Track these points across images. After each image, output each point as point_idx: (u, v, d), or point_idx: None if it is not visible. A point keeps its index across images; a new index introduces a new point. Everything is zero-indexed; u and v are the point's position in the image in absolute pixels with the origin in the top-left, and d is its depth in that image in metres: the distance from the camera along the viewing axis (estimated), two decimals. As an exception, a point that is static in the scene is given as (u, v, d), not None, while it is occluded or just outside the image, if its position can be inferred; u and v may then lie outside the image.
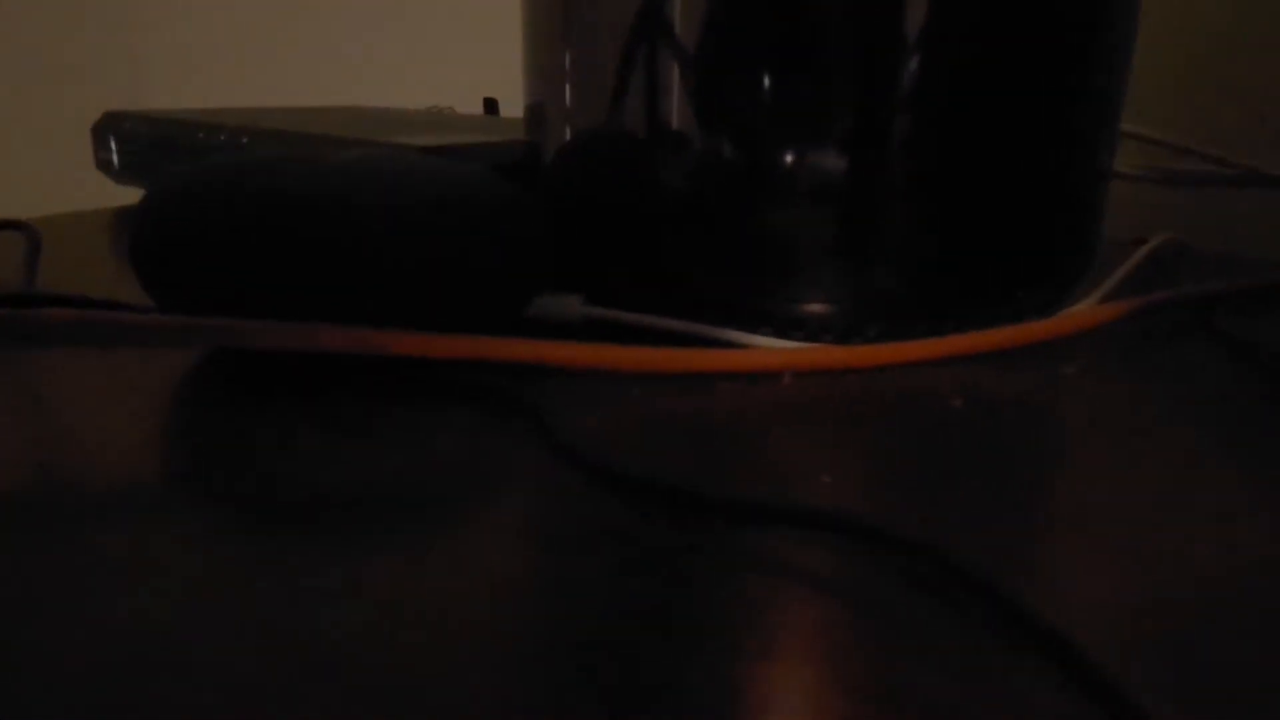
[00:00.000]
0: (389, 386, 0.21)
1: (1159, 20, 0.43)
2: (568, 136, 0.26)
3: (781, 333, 0.23)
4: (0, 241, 0.34)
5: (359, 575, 0.14)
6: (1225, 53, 0.42)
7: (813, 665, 0.12)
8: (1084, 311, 0.24)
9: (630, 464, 0.17)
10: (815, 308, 0.23)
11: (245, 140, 0.35)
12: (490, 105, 0.51)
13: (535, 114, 0.27)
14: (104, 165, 0.42)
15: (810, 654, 0.12)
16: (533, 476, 0.17)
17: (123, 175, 0.41)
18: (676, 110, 0.23)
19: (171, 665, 0.12)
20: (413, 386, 0.21)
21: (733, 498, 0.15)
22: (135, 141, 0.40)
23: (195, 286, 0.21)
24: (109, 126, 0.41)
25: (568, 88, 0.26)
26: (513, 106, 0.64)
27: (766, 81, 0.22)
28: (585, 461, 0.17)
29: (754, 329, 0.23)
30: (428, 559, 0.14)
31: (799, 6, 0.21)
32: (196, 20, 0.88)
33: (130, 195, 0.42)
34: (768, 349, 0.22)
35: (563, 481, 0.17)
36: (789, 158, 0.22)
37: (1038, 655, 0.12)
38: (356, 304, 0.21)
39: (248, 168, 0.22)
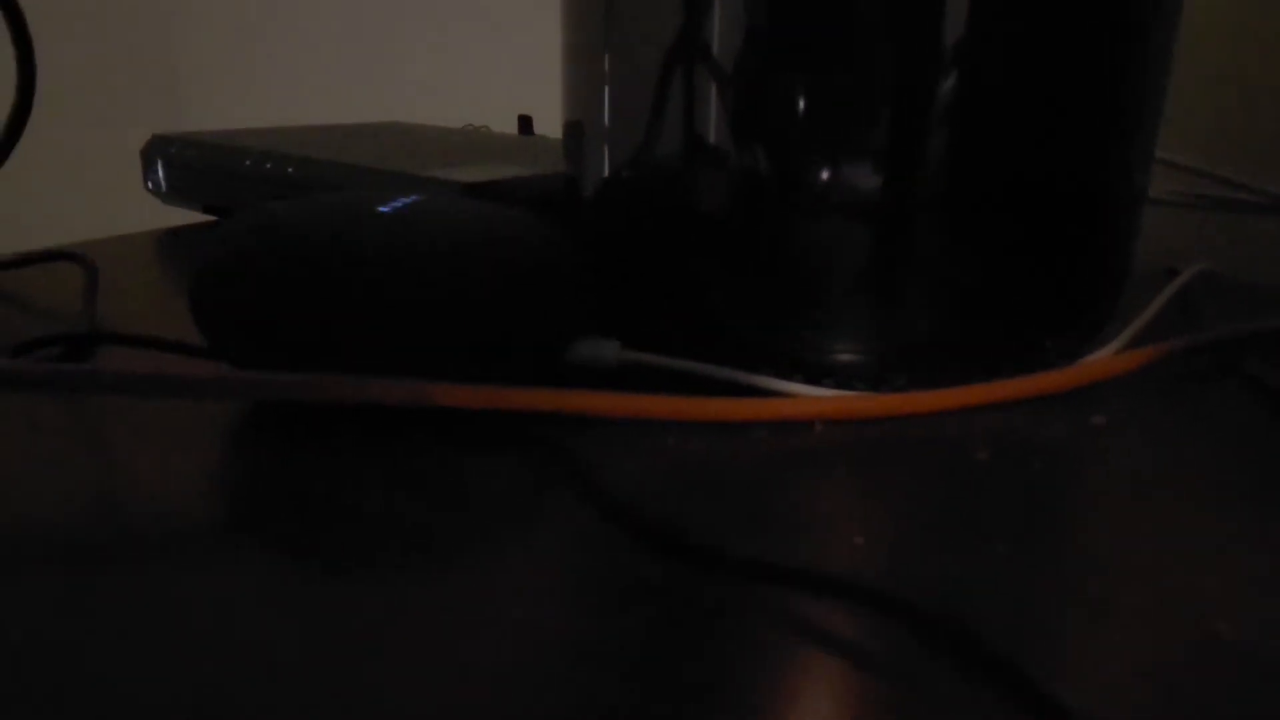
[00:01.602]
0: (436, 435, 0.22)
1: (1190, 41, 0.43)
2: (605, 158, 0.27)
3: (813, 379, 0.24)
4: (55, 272, 0.35)
5: (400, 622, 0.15)
6: (1256, 77, 0.42)
7: (843, 741, 0.13)
8: (1111, 359, 0.25)
9: (665, 517, 0.18)
10: (846, 356, 0.24)
11: (291, 170, 0.36)
12: (525, 123, 0.52)
13: (573, 133, 0.28)
14: (152, 187, 0.43)
15: (829, 715, 0.13)
16: (572, 527, 0.18)
17: (170, 197, 0.43)
18: (712, 137, 0.24)
19: (217, 705, 0.13)
20: (458, 435, 0.22)
21: (762, 563, 0.15)
22: (182, 164, 0.41)
23: (253, 339, 0.22)
24: (157, 149, 0.42)
25: (605, 111, 0.26)
26: (545, 123, 0.65)
27: (804, 111, 0.22)
28: (625, 518, 0.18)
29: (787, 375, 0.24)
30: (468, 608, 0.15)
31: (839, 38, 0.22)
32: (235, 40, 0.90)
33: (176, 216, 0.44)
34: (799, 398, 0.23)
35: (601, 533, 0.18)
36: (825, 200, 0.23)
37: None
38: (404, 353, 0.22)
39: (297, 222, 0.23)
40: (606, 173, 0.27)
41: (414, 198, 0.25)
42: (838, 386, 0.24)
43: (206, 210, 0.43)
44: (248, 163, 0.38)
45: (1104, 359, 0.25)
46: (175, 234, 0.42)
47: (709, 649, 0.14)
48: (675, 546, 0.17)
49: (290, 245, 0.22)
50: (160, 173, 0.42)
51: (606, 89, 0.26)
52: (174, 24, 0.94)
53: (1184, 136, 0.44)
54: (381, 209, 0.24)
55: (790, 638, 0.15)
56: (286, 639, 0.14)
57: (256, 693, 0.13)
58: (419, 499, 0.19)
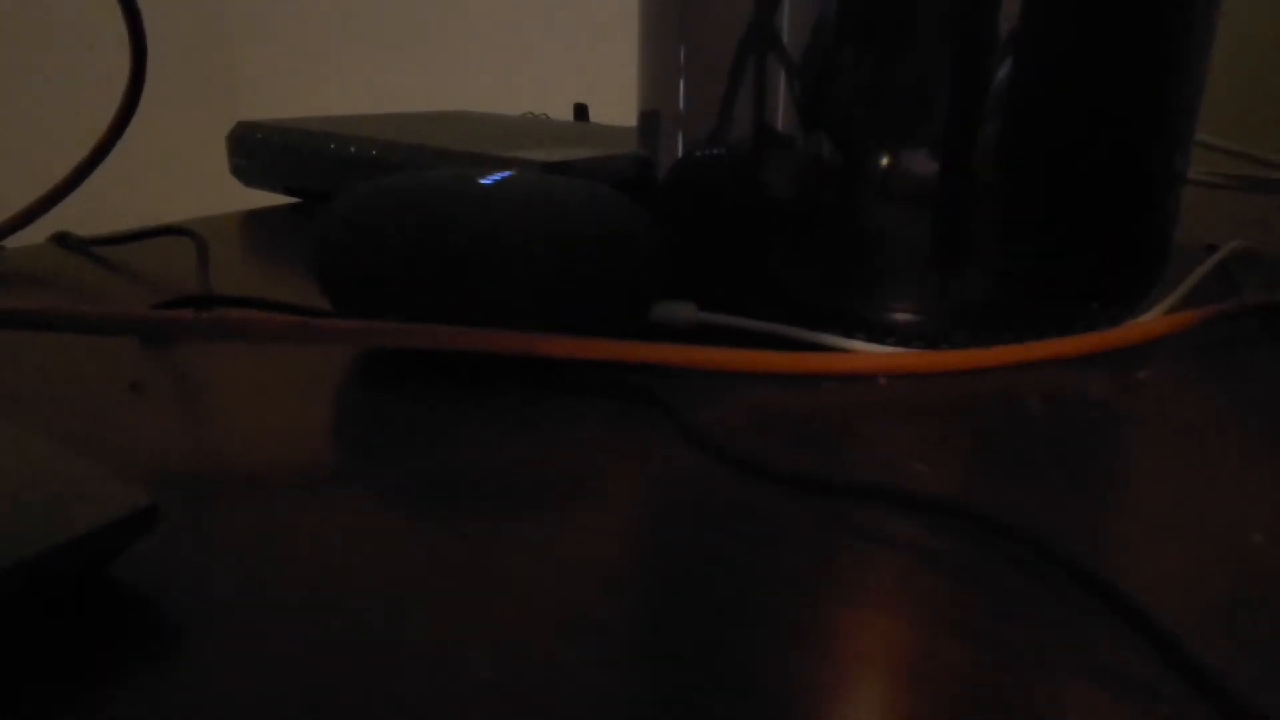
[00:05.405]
0: (530, 384, 0.24)
1: (1226, 28, 0.45)
2: (680, 142, 0.29)
3: (875, 338, 0.26)
4: (156, 247, 0.38)
5: (510, 544, 0.17)
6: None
7: (906, 611, 0.15)
8: (1156, 320, 0.27)
9: (755, 451, 0.20)
10: (907, 316, 0.26)
11: (375, 153, 0.39)
12: (580, 111, 0.55)
13: (648, 119, 0.30)
14: (238, 171, 0.46)
15: (905, 602, 0.15)
16: (665, 459, 0.20)
17: (254, 180, 0.45)
18: (781, 122, 0.26)
19: (314, 637, 0.15)
20: (553, 383, 0.24)
21: (858, 482, 0.18)
22: (267, 148, 0.44)
23: (373, 296, 0.24)
24: (243, 135, 0.45)
25: (680, 98, 0.29)
26: (597, 113, 0.67)
27: (868, 95, 0.25)
28: (719, 449, 0.20)
29: (851, 334, 0.26)
30: (574, 527, 0.17)
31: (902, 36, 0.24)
32: (292, 35, 0.93)
33: (252, 199, 0.47)
34: (865, 354, 0.25)
35: (691, 464, 0.20)
36: (889, 173, 0.25)
37: (1117, 624, 0.15)
38: (507, 312, 0.24)
39: (414, 192, 0.25)
40: (681, 155, 0.29)
41: (507, 173, 0.27)
42: (899, 344, 0.26)
43: (286, 192, 0.45)
44: (332, 146, 0.41)
45: (1150, 320, 0.27)
46: (254, 216, 0.44)
47: (798, 552, 0.17)
48: (770, 474, 0.19)
49: (408, 212, 0.24)
50: (246, 157, 0.45)
51: (681, 78, 0.28)
52: (230, 17, 0.97)
53: (1221, 120, 0.45)
54: (483, 181, 0.26)
55: (875, 543, 0.17)
56: (389, 566, 0.17)
57: (357, 627, 0.16)
58: (526, 436, 0.21)
